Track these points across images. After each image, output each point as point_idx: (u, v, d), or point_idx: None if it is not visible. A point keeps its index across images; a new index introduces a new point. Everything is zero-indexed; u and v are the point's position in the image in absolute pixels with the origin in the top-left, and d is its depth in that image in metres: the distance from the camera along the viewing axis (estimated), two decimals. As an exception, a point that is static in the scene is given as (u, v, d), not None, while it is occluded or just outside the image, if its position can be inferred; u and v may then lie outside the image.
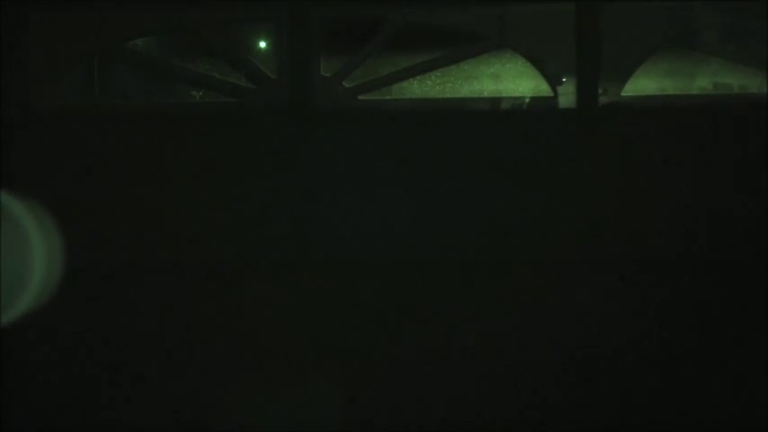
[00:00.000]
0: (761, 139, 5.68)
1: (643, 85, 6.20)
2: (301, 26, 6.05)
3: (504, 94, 6.33)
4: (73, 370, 4.25)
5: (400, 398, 3.91)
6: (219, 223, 5.87)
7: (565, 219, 5.80)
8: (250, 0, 6.15)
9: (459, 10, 6.18)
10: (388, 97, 6.33)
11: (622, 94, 6.15)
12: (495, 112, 6.31)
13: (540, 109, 6.25)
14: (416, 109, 6.22)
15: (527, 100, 6.33)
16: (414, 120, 6.06)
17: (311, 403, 3.80)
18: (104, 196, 5.85)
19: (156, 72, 6.40)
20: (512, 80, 6.31)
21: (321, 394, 3.90)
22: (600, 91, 6.01)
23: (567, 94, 6.12)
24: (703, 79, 6.34)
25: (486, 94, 6.33)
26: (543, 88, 6.19)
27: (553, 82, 6.16)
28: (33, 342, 4.39)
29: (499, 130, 5.98)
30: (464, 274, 5.44)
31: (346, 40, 6.25)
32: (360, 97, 6.22)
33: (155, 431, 3.68)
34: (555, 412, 3.78)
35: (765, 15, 5.96)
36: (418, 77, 6.27)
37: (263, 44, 6.51)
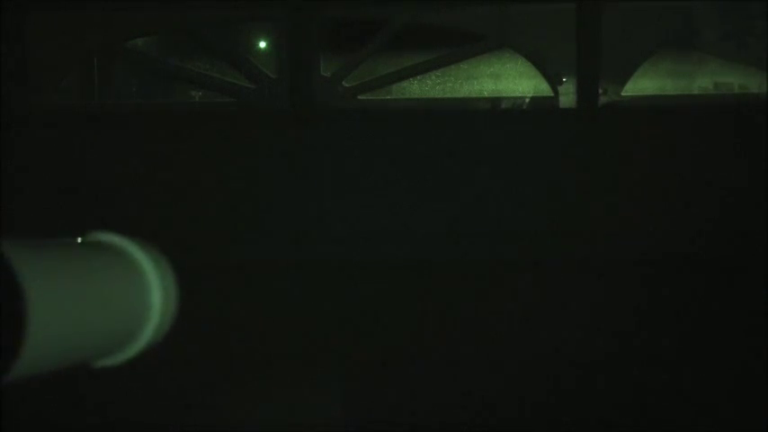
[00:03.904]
0: (761, 139, 5.68)
1: (643, 85, 6.20)
2: (301, 26, 6.05)
3: (504, 94, 6.33)
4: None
5: (401, 399, 3.90)
6: (218, 223, 5.87)
7: (565, 218, 5.80)
8: (250, 0, 6.15)
9: (459, 10, 6.19)
10: (388, 97, 6.33)
11: (622, 94, 6.15)
12: (495, 112, 6.32)
13: (540, 109, 6.25)
14: (416, 109, 6.22)
15: (527, 100, 6.33)
16: (414, 120, 6.06)
17: (309, 403, 3.80)
18: (103, 196, 5.85)
19: (156, 72, 6.41)
20: (512, 80, 6.30)
21: (320, 394, 3.89)
22: (600, 91, 6.01)
23: (567, 94, 6.12)
24: (703, 79, 6.34)
25: (486, 94, 6.33)
26: (543, 88, 6.19)
27: (553, 82, 6.16)
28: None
29: (499, 130, 5.99)
30: (464, 273, 5.44)
31: (346, 40, 6.25)
32: (360, 97, 6.22)
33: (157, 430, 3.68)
34: (558, 412, 3.78)
35: (765, 15, 5.96)
36: (418, 77, 6.26)
37: (263, 44, 6.51)
